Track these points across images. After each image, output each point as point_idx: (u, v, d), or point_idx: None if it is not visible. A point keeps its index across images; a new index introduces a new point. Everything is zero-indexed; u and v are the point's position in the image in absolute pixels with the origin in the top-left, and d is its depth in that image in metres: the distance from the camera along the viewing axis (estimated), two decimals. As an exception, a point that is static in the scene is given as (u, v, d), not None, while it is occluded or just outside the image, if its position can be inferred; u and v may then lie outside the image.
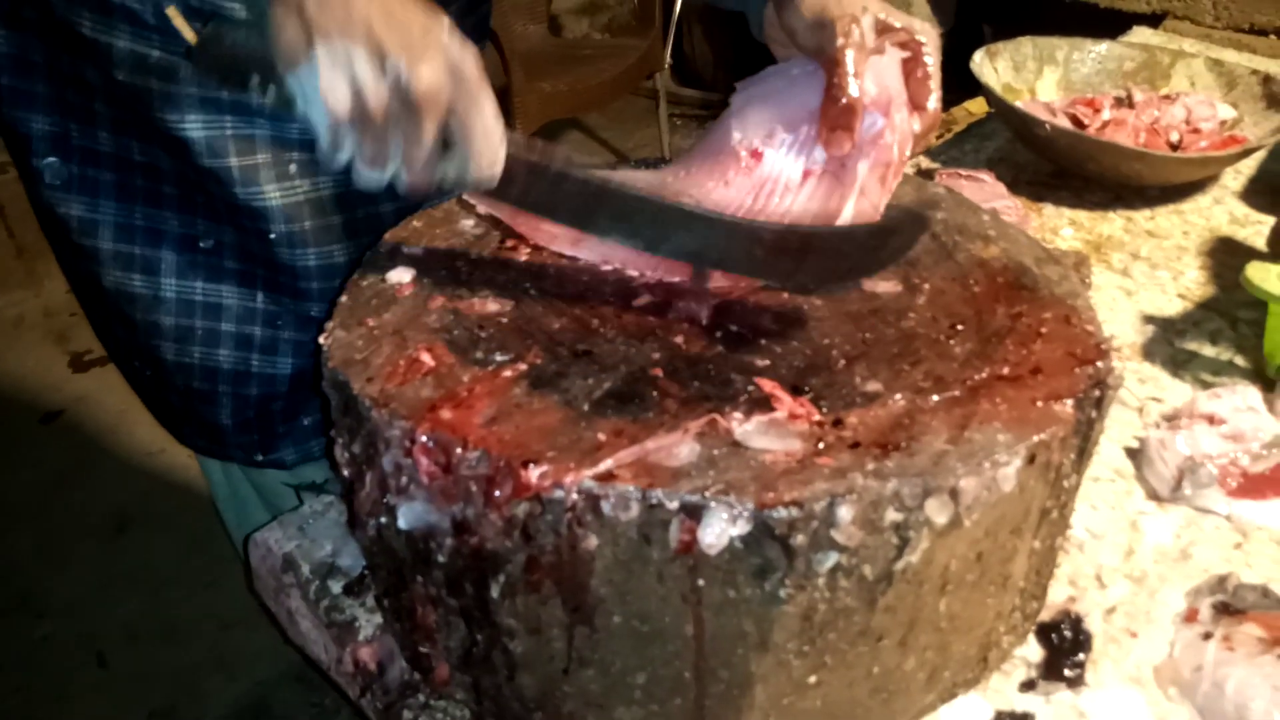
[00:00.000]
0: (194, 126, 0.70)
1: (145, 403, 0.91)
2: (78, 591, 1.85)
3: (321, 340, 0.53)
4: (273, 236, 0.75)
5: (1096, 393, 0.50)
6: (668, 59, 2.95)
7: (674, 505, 0.43)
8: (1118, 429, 0.75)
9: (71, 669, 1.71)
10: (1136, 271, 0.95)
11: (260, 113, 0.71)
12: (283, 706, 1.67)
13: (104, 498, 2.03)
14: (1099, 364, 0.51)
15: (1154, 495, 0.70)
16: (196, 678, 1.70)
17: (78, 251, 0.78)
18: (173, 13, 0.55)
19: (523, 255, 0.61)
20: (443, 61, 0.49)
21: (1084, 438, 0.50)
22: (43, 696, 1.66)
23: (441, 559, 0.49)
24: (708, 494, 0.43)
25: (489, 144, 0.51)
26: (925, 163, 1.12)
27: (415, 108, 0.49)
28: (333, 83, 0.48)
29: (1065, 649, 0.58)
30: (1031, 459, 0.46)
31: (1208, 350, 0.84)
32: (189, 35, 0.54)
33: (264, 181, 0.72)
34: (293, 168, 0.73)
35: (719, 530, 0.43)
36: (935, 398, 0.48)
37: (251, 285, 0.79)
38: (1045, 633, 0.59)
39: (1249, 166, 1.11)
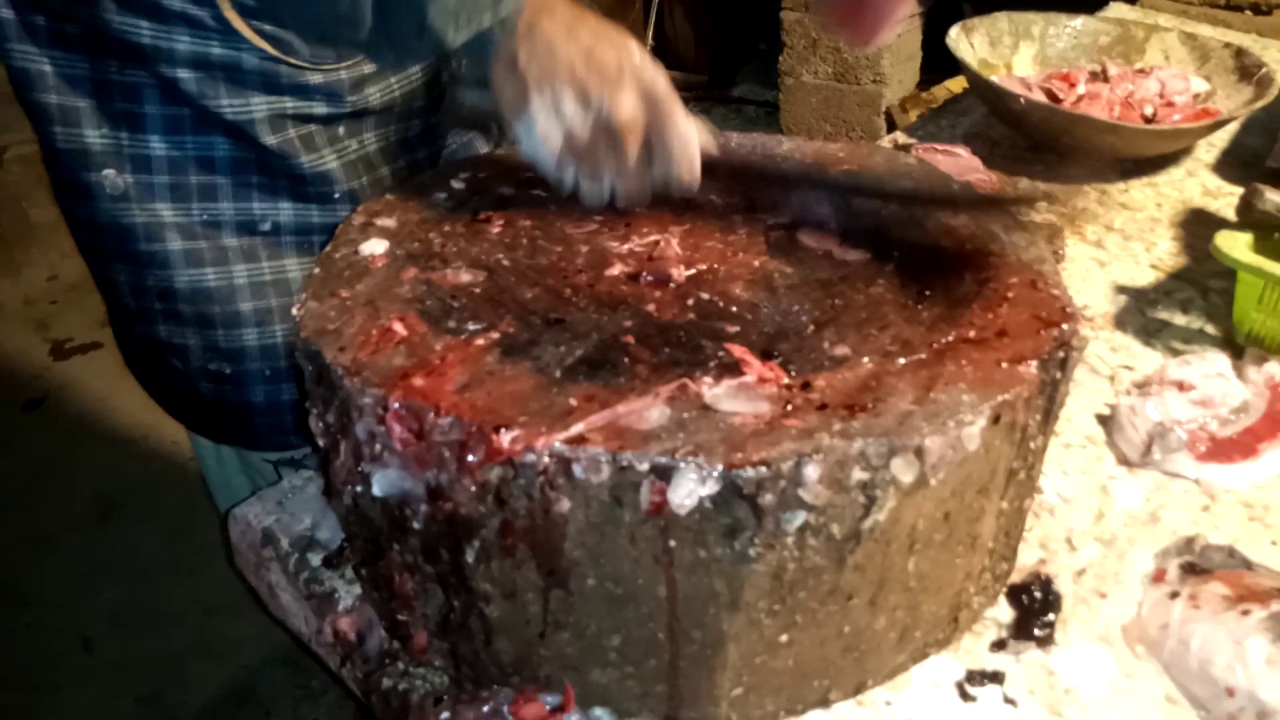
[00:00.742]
0: (259, 108, 0.75)
1: (172, 404, 0.91)
2: (62, 579, 1.84)
3: (294, 311, 0.53)
4: (336, 196, 0.80)
5: (1061, 354, 0.50)
6: (649, 40, 2.94)
7: (644, 467, 0.43)
8: (1089, 396, 0.76)
9: (57, 657, 1.71)
10: (1110, 243, 0.96)
11: (316, 91, 0.76)
12: (269, 689, 1.67)
13: (87, 486, 2.03)
14: (1064, 326, 0.52)
15: (1124, 460, 0.71)
16: (181, 663, 1.70)
17: (150, 259, 0.79)
18: (231, 15, 0.60)
19: (496, 227, 0.61)
20: (636, 89, 0.58)
21: (1049, 399, 0.51)
22: (28, 684, 1.66)
23: (417, 525, 0.49)
24: (677, 455, 0.43)
25: (685, 151, 0.60)
26: (902, 138, 1.13)
27: (618, 134, 0.58)
28: (547, 128, 0.59)
29: (1035, 609, 0.59)
30: (996, 419, 0.47)
31: (1179, 319, 0.85)
32: (250, 36, 0.65)
33: (321, 147, 0.78)
34: (341, 129, 0.80)
35: (689, 490, 0.43)
36: (902, 361, 0.49)
37: (311, 252, 0.82)
38: (1015, 594, 0.60)
39: (1222, 139, 1.13)
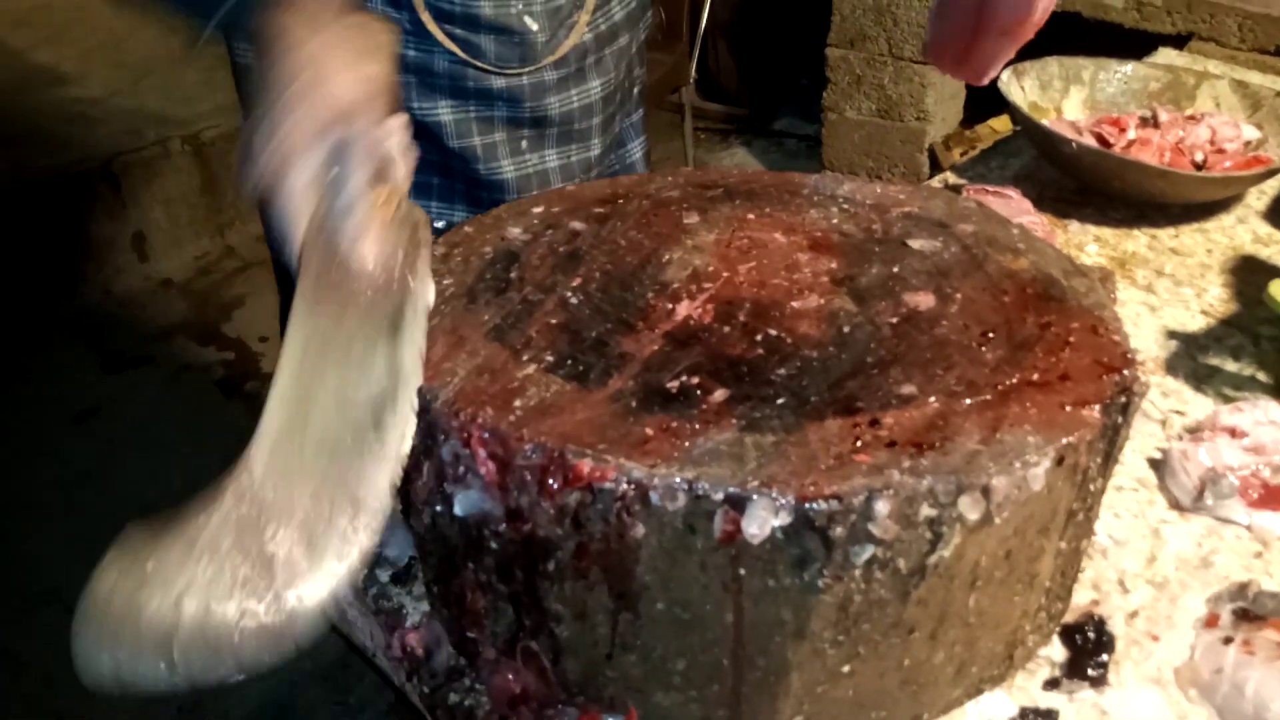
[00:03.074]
0: (444, 112, 0.80)
1: None
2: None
3: (380, 338, 0.55)
4: None
5: (1122, 399, 0.52)
6: (693, 73, 2.99)
7: (719, 496, 0.45)
8: (1141, 440, 0.77)
9: (100, 665, 1.74)
10: (1160, 288, 0.96)
11: (499, 97, 0.81)
12: (307, 705, 1.70)
13: (132, 497, 2.07)
14: (1125, 372, 0.53)
15: (1176, 505, 0.71)
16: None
17: None
18: (426, 18, 0.63)
19: (569, 261, 0.64)
20: None
21: (1110, 442, 0.52)
22: (71, 691, 1.69)
23: (493, 546, 0.51)
24: (751, 486, 0.45)
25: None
26: (952, 178, 1.14)
27: None
28: None
29: (1089, 649, 0.60)
30: (1060, 460, 0.48)
31: (1230, 365, 0.85)
32: (442, 39, 0.61)
33: (502, 157, 0.84)
34: (523, 144, 0.84)
35: (761, 521, 0.45)
36: (967, 401, 0.51)
37: None
38: (1069, 634, 0.61)
39: (1273, 187, 1.13)
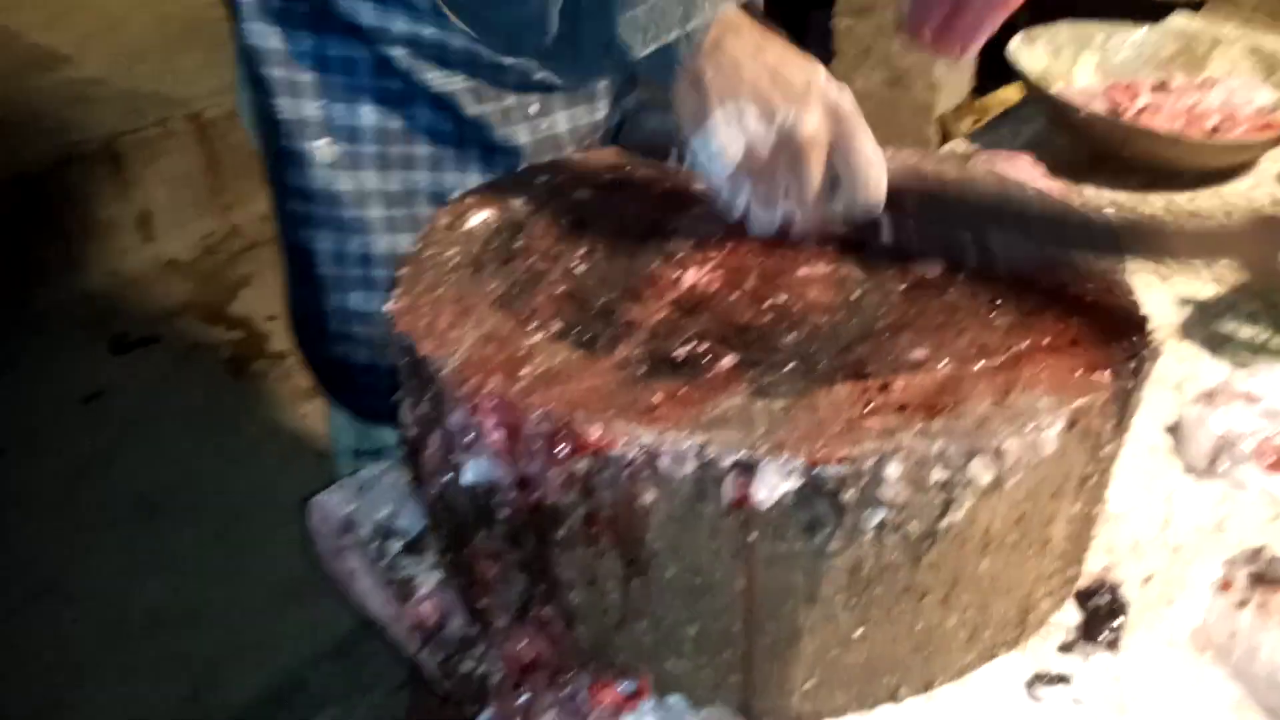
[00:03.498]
0: (458, 82, 0.81)
1: (347, 386, 0.95)
2: (106, 577, 1.88)
3: (386, 307, 0.55)
4: None
5: (1134, 363, 0.51)
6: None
7: (728, 462, 0.45)
8: (1155, 406, 0.76)
9: (101, 651, 1.74)
10: (1173, 254, 0.95)
11: (511, 69, 0.81)
12: (319, 680, 1.70)
13: (132, 484, 2.07)
14: (1137, 336, 0.52)
15: (1191, 470, 0.71)
16: (223, 661, 1.72)
17: (355, 225, 0.85)
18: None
19: (576, 229, 0.63)
20: (823, 107, 0.57)
21: (1122, 406, 0.52)
22: (72, 680, 1.70)
23: (503, 514, 0.51)
24: (761, 451, 0.45)
25: (871, 174, 0.58)
26: (962, 146, 1.13)
27: (801, 150, 0.57)
28: (727, 140, 0.57)
29: (1102, 614, 0.60)
30: (1072, 424, 0.48)
31: (1245, 331, 0.85)
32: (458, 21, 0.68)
33: (516, 122, 0.84)
34: (534, 108, 0.84)
35: (771, 486, 0.45)
36: (979, 365, 0.50)
37: None
38: (1083, 598, 0.61)
39: (1288, 151, 1.12)
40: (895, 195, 0.60)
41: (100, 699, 1.67)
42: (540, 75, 0.82)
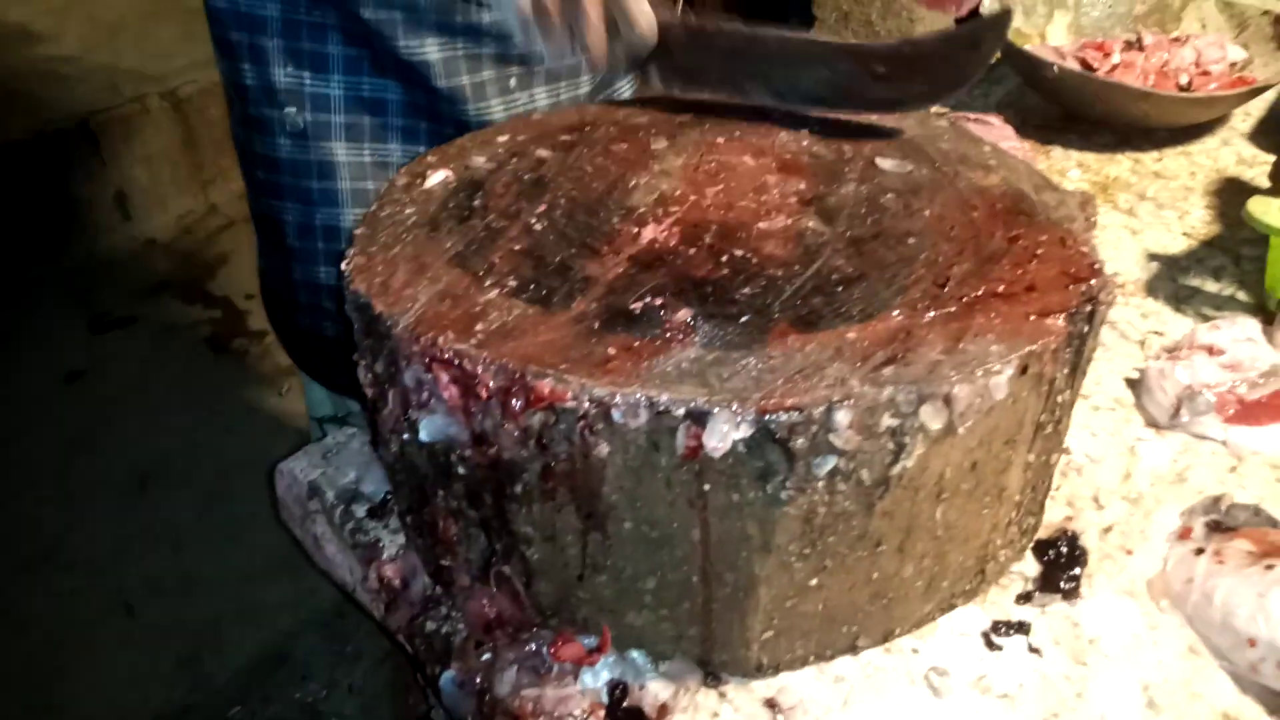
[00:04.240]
0: (432, 50, 0.79)
1: (316, 358, 0.96)
2: (103, 546, 1.90)
3: (343, 266, 0.55)
4: None
5: (1089, 308, 0.51)
6: (679, 8, 2.93)
7: (680, 412, 0.45)
8: (1119, 361, 0.77)
9: (99, 621, 1.76)
10: (1142, 211, 0.95)
11: (487, 33, 0.80)
12: (305, 653, 1.72)
13: (125, 456, 2.08)
14: (1091, 281, 0.52)
15: (1153, 422, 0.71)
16: (219, 628, 1.75)
17: (321, 196, 0.84)
18: None
19: (534, 187, 0.63)
20: None
21: (1076, 352, 0.52)
22: (72, 648, 1.72)
23: (461, 471, 0.51)
24: (712, 400, 0.45)
25: (642, 11, 0.65)
26: (934, 107, 1.13)
27: None
28: None
29: (1061, 564, 0.61)
30: (1024, 369, 0.48)
31: (1210, 286, 0.85)
32: None
33: (491, 96, 0.83)
34: (512, 82, 0.83)
35: (723, 434, 0.45)
36: (931, 313, 0.50)
37: None
38: (1042, 549, 0.61)
39: (1258, 108, 1.12)
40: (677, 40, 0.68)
41: (104, 663, 1.68)
42: (519, 41, 0.82)
